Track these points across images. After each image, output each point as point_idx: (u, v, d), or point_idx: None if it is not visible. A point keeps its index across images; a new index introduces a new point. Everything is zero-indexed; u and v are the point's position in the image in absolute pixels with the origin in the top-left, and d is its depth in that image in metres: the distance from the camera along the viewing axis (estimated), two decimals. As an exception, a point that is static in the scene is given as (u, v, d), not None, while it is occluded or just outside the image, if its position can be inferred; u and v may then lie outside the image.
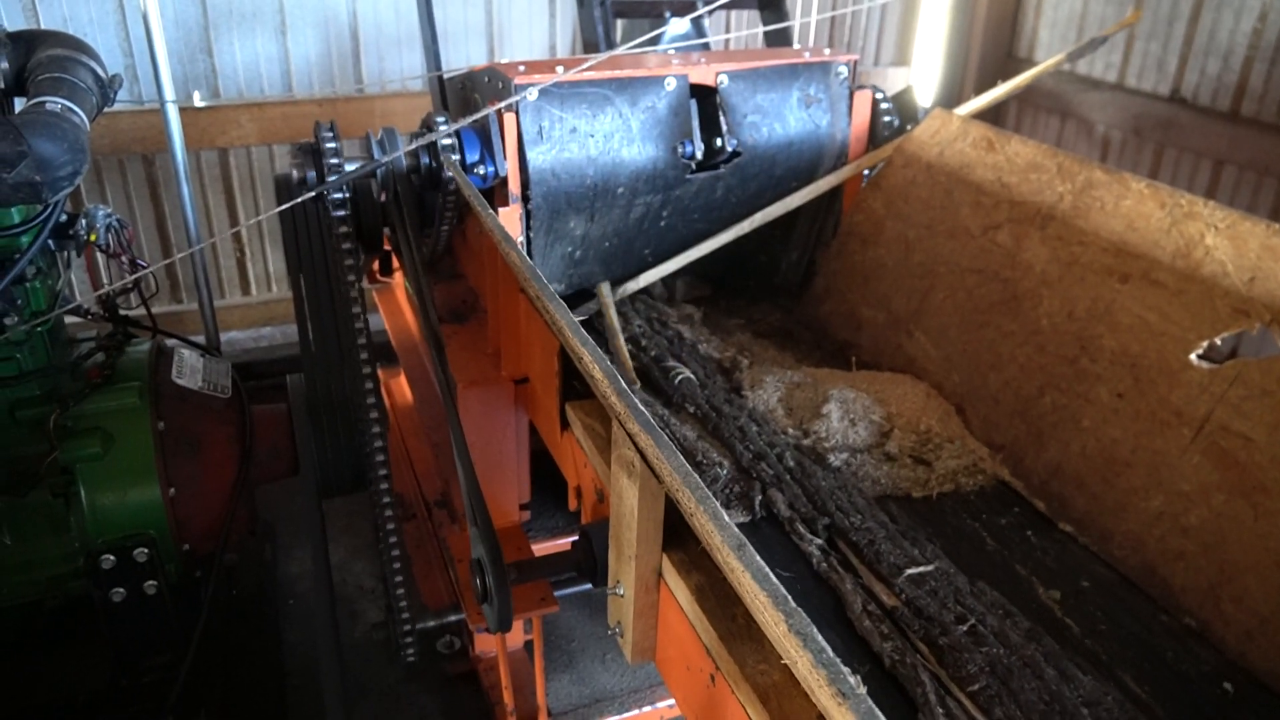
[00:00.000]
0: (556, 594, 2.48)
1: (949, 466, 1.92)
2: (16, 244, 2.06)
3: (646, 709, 2.55)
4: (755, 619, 1.05)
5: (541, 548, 2.59)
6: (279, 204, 2.47)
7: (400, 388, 3.75)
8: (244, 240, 4.60)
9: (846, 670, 0.80)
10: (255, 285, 4.73)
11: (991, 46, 5.47)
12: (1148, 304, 1.78)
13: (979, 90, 5.05)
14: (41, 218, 2.08)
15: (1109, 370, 1.80)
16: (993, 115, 5.25)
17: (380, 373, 2.41)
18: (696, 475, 1.07)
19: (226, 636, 2.54)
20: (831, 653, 0.85)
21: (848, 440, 1.95)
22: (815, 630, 0.87)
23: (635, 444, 1.34)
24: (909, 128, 2.45)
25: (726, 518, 0.98)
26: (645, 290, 2.55)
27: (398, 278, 3.44)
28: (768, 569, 0.92)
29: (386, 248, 3.10)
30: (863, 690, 0.77)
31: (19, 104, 2.12)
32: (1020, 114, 5.44)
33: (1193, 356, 1.68)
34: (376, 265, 3.26)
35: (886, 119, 2.47)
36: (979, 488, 1.88)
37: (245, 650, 2.63)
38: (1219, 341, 1.68)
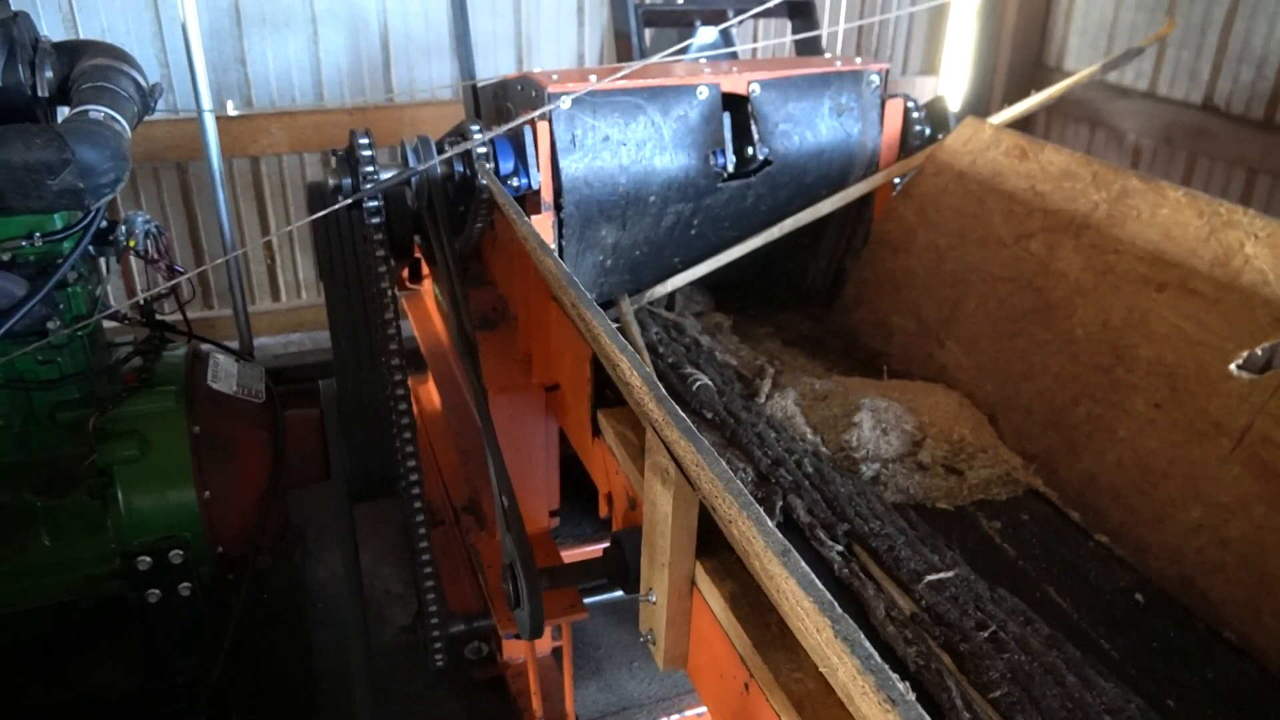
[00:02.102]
0: (585, 601, 2.49)
1: (981, 476, 1.91)
2: (59, 249, 2.09)
3: (674, 716, 2.55)
4: (793, 626, 1.05)
5: (570, 554, 2.59)
6: (311, 211, 2.50)
7: (428, 394, 3.77)
8: (274, 247, 4.65)
9: (895, 677, 0.80)
10: (285, 292, 4.78)
11: (1020, 55, 5.44)
12: (1185, 313, 1.76)
13: (1008, 98, 5.03)
14: (83, 224, 2.12)
15: (1145, 380, 1.79)
16: (1022, 124, 5.22)
17: (409, 379, 2.43)
18: (738, 481, 1.07)
19: (257, 639, 2.56)
20: (879, 659, 0.85)
21: (879, 450, 1.94)
22: (862, 636, 0.87)
23: (670, 451, 1.34)
24: (940, 136, 2.45)
25: (770, 523, 0.98)
26: (671, 298, 2.56)
27: (426, 285, 3.47)
28: (812, 575, 0.92)
29: (416, 255, 3.13)
30: (911, 697, 0.77)
31: (62, 112, 2.16)
32: (1049, 123, 5.41)
33: (1232, 367, 1.67)
34: (406, 272, 3.29)
35: (918, 128, 2.46)
36: (1011, 497, 1.87)
37: (275, 653, 2.65)
38: (1259, 351, 1.66)
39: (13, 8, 2.06)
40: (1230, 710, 1.41)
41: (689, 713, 2.57)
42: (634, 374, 1.32)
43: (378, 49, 4.45)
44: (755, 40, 4.98)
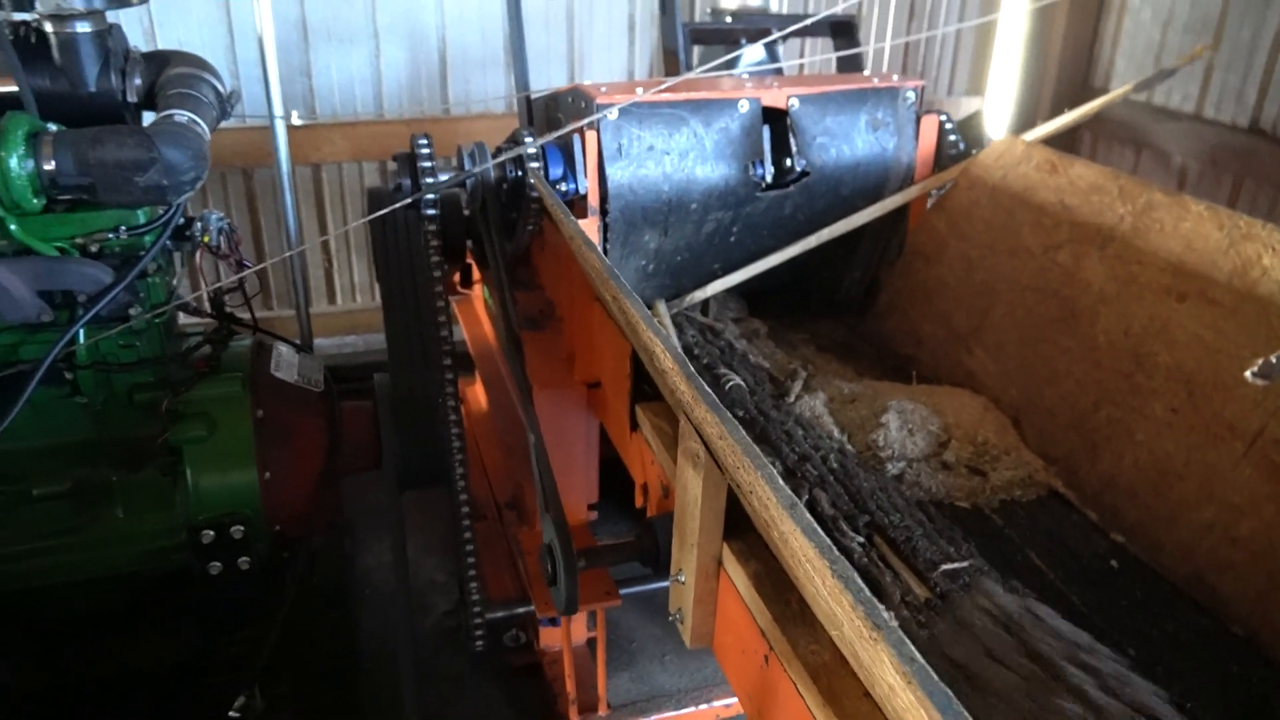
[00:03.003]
0: (621, 592, 2.59)
1: (1004, 478, 1.98)
2: (141, 242, 2.26)
3: (702, 706, 2.63)
4: (810, 597, 1.14)
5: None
6: (370, 214, 2.66)
7: (475, 395, 3.91)
8: (332, 251, 4.85)
9: (914, 649, 0.87)
10: (341, 295, 4.97)
11: (1067, 77, 5.48)
12: (1204, 321, 1.82)
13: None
14: (163, 219, 2.28)
15: (1164, 385, 1.85)
16: (1067, 146, 5.26)
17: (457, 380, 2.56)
18: (758, 450, 1.17)
19: (307, 618, 2.69)
20: (895, 626, 0.92)
21: (905, 450, 2.02)
22: (874, 599, 0.95)
23: (700, 434, 1.44)
24: (975, 152, 2.53)
25: (782, 483, 1.07)
26: (707, 304, 2.66)
27: (476, 290, 3.61)
28: (816, 526, 1.01)
29: (468, 261, 3.28)
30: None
31: (147, 117, 2.33)
32: (1095, 144, 5.43)
33: (1247, 374, 1.72)
34: (457, 277, 3.44)
35: (952, 142, 2.55)
36: (1031, 498, 1.93)
37: (323, 632, 2.79)
38: (1274, 359, 1.72)
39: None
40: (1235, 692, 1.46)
41: (717, 703, 2.65)
42: (667, 357, 1.42)
43: (435, 63, 4.63)
44: (802, 59, 5.09)
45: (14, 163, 1.97)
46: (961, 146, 2.58)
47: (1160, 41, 4.93)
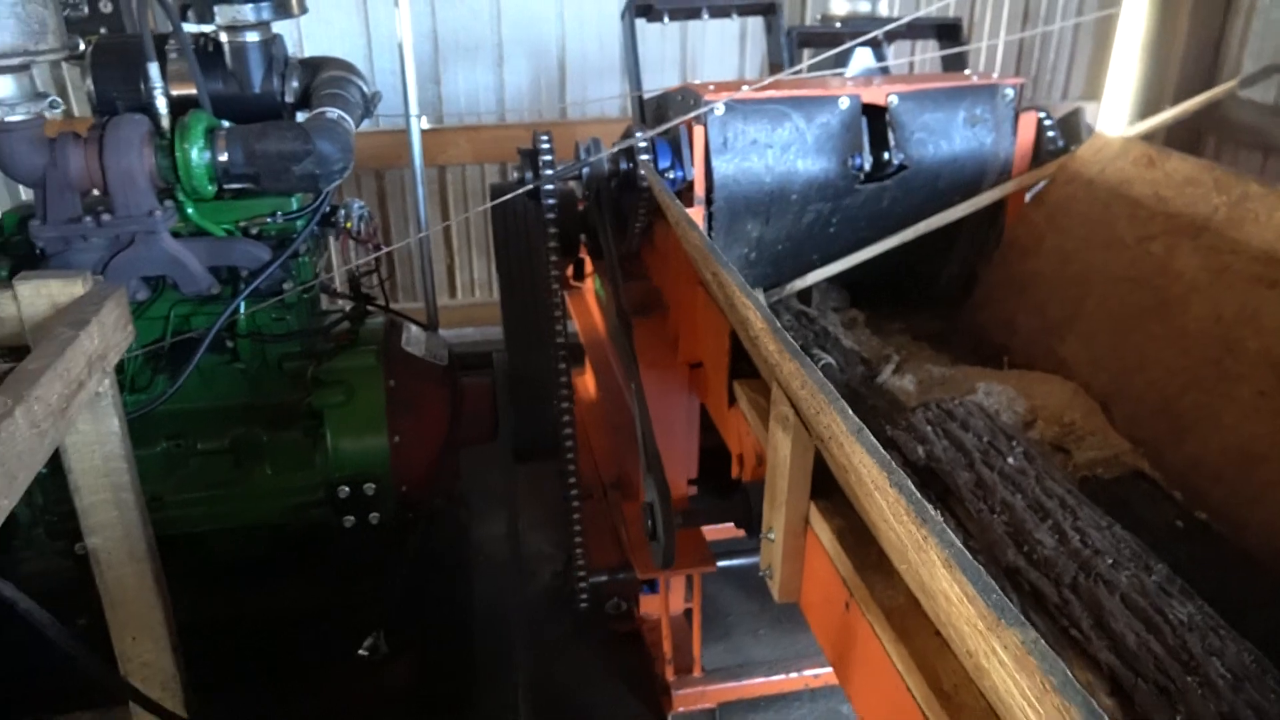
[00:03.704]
0: (718, 564, 2.74)
1: (1089, 457, 2.04)
2: (294, 226, 2.53)
3: (792, 674, 2.75)
4: (888, 536, 1.26)
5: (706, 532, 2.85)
6: (492, 209, 2.89)
7: (585, 384, 4.12)
8: (454, 248, 5.15)
9: (998, 590, 0.97)
10: (461, 290, 5.27)
11: (1190, 80, 5.35)
12: (1294, 308, 1.86)
13: (1173, 129, 4.97)
14: (314, 206, 2.55)
15: (1252, 370, 1.89)
16: (1191, 149, 5.13)
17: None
18: (837, 394, 1.30)
19: (427, 578, 2.93)
20: (989, 581, 1.03)
21: (991, 427, 2.10)
22: (956, 540, 1.06)
23: (789, 397, 1.58)
24: (1073, 148, 2.58)
25: (856, 419, 1.20)
26: (808, 295, 2.78)
27: (588, 284, 3.82)
28: (881, 449, 1.14)
29: (581, 255, 3.49)
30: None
31: (299, 117, 2.61)
32: (1220, 148, 5.29)
33: (1335, 357, 1.76)
34: (570, 271, 3.65)
35: (1051, 139, 2.61)
36: (1116, 476, 1.99)
37: (442, 591, 3.01)
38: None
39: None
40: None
41: (807, 672, 2.76)
42: (760, 321, 1.57)
43: (555, 70, 4.88)
44: (911, 69, 5.14)
45: (195, 154, 2.27)
46: (1061, 143, 2.63)
47: (1290, 42, 4.78)
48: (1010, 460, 1.80)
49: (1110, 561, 1.54)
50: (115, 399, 1.90)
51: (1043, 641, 0.84)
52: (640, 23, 2.97)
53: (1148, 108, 5.38)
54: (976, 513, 1.65)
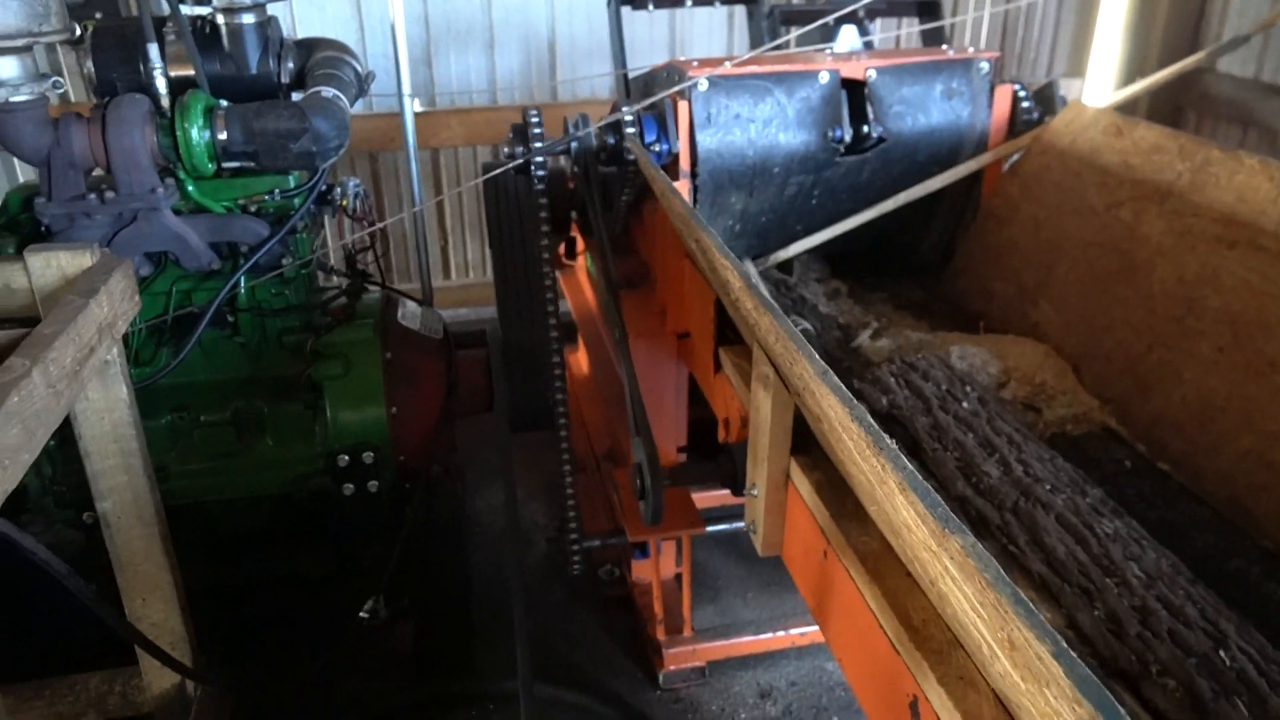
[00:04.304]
0: (708, 530, 2.83)
1: (1058, 414, 2.13)
2: (292, 204, 2.60)
3: (779, 633, 2.84)
4: (858, 479, 1.35)
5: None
6: (485, 187, 2.96)
7: (577, 361, 4.20)
8: (448, 229, 5.22)
9: (943, 506, 1.06)
10: (455, 271, 5.34)
11: (1172, 54, 5.41)
12: (1251, 267, 1.95)
13: (1155, 102, 5.03)
14: (311, 184, 2.62)
15: (1212, 327, 1.98)
16: (1172, 123, 5.21)
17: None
18: (810, 348, 1.38)
19: (425, 546, 3.02)
20: (936, 496, 1.12)
21: (965, 387, 2.19)
22: (909, 464, 1.15)
23: (769, 356, 1.67)
24: (1048, 119, 2.66)
25: (824, 364, 1.29)
26: (791, 266, 2.86)
27: (580, 262, 3.90)
28: (866, 412, 1.22)
29: (572, 234, 3.57)
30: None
31: (295, 96, 2.68)
32: (1200, 122, 5.37)
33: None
34: (562, 249, 3.72)
35: (1026, 111, 2.69)
36: (1084, 432, 2.09)
37: (440, 559, 3.11)
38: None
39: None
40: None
41: (794, 631, 2.86)
42: (740, 283, 1.65)
43: (545, 52, 4.95)
44: (899, 43, 5.21)
45: (195, 133, 2.34)
46: (1035, 115, 2.71)
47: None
48: (965, 404, 1.90)
49: (1049, 487, 1.66)
50: (123, 367, 1.98)
51: (980, 545, 0.93)
52: (629, 8, 3.05)
53: (1129, 82, 5.46)
54: (932, 451, 1.75)
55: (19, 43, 2.09)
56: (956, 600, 1.09)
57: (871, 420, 1.15)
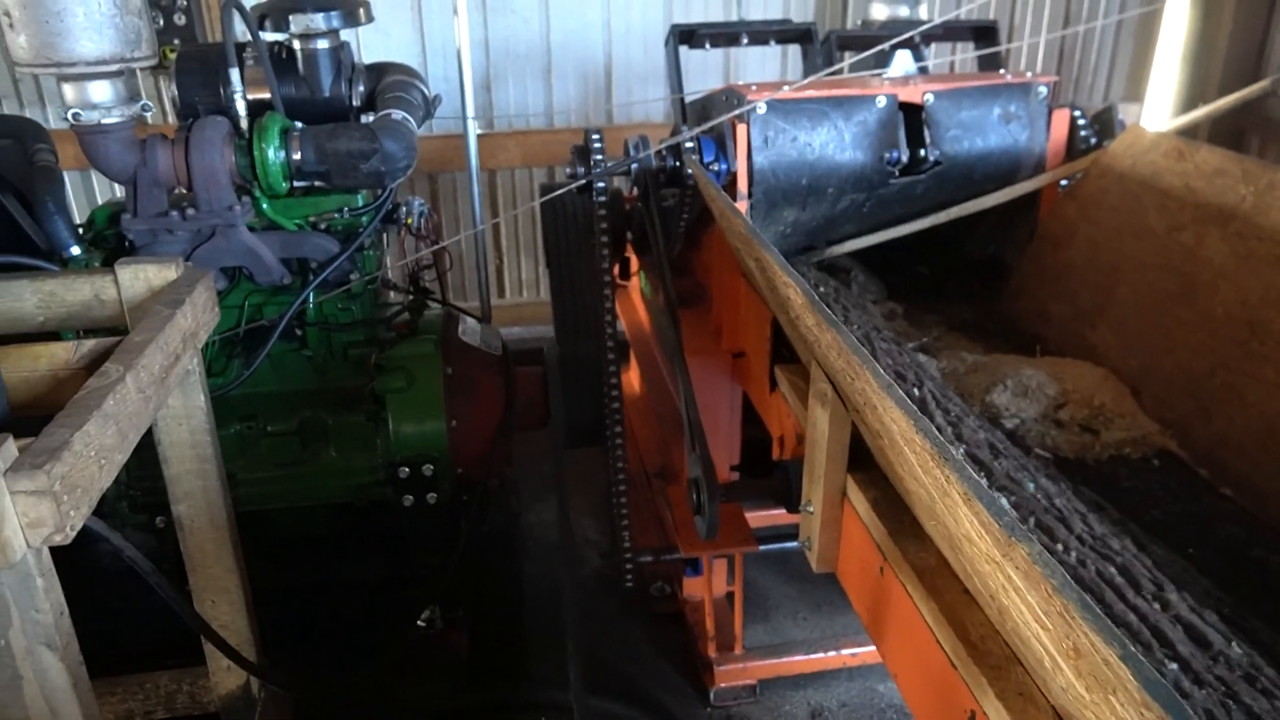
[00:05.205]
0: (760, 548, 2.85)
1: (1116, 437, 2.12)
2: (359, 221, 2.69)
3: (831, 653, 2.84)
4: (918, 494, 1.37)
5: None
6: (542, 206, 3.03)
7: (629, 380, 4.25)
8: (503, 249, 5.32)
9: (1010, 514, 1.08)
10: (509, 290, 5.44)
11: (1233, 79, 5.34)
12: (1316, 291, 1.93)
13: (1216, 126, 4.97)
14: (378, 202, 2.71)
15: (1276, 351, 1.96)
16: (1232, 147, 5.13)
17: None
18: (873, 361, 1.41)
19: (479, 558, 3.07)
20: (1004, 505, 1.14)
21: (1020, 409, 2.19)
22: (974, 474, 1.17)
23: (827, 373, 1.70)
24: (1106, 143, 2.66)
25: (884, 375, 1.31)
26: (848, 283, 2.89)
27: (634, 282, 3.96)
28: (916, 410, 1.25)
29: (627, 254, 3.63)
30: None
31: (365, 118, 2.77)
32: (1264, 148, 5.28)
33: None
34: (616, 269, 3.79)
35: (1084, 135, 2.69)
36: (1143, 455, 2.08)
37: (493, 571, 3.16)
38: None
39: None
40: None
41: (845, 651, 2.85)
42: (800, 296, 1.68)
43: (601, 77, 5.04)
44: (952, 68, 5.21)
45: (271, 153, 2.44)
46: (1094, 140, 2.71)
47: (1334, 41, 4.78)
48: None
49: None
50: (201, 376, 2.07)
51: (1046, 553, 0.95)
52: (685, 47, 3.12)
53: (1189, 107, 5.40)
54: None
55: (113, 67, 2.20)
56: (1018, 612, 1.11)
57: (936, 433, 1.17)
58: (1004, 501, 1.06)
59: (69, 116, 2.27)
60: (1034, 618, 1.06)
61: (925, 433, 1.17)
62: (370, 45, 4.73)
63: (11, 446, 1.28)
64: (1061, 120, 2.69)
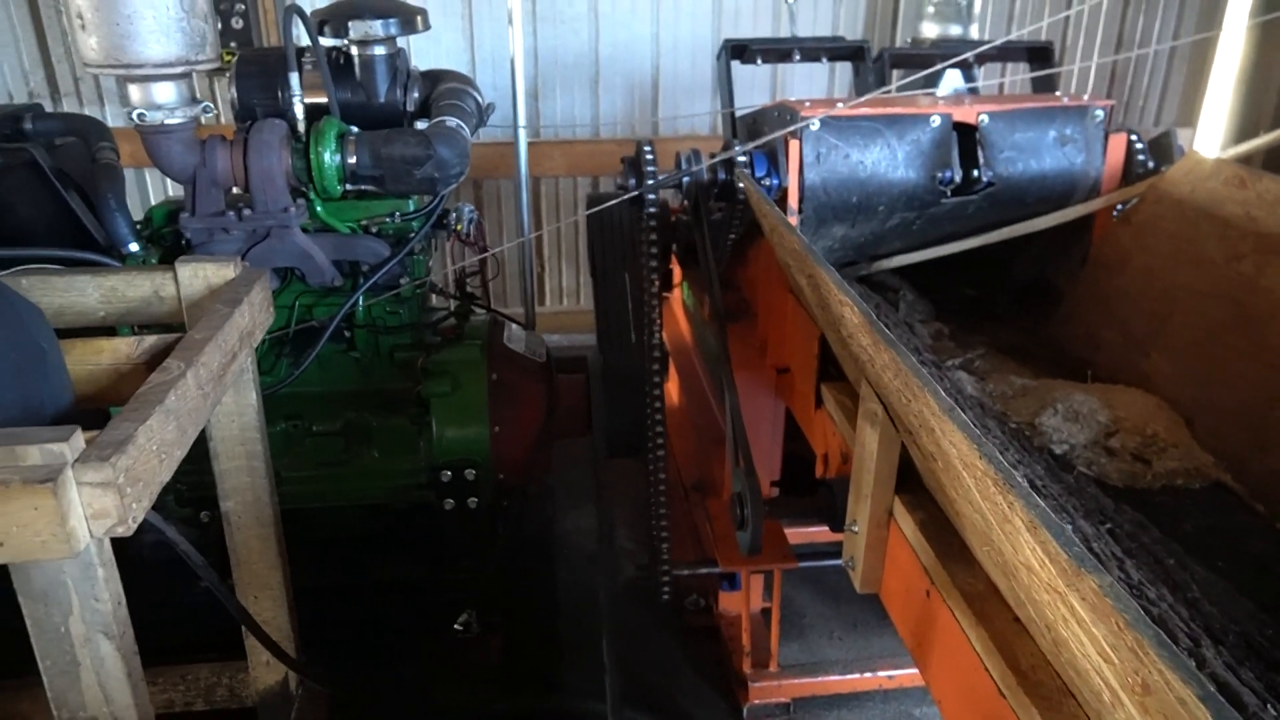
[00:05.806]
0: (800, 565, 2.84)
1: (1169, 467, 2.09)
2: (410, 226, 2.72)
3: (867, 674, 2.82)
4: (972, 519, 1.35)
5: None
6: (589, 216, 3.05)
7: (669, 392, 4.25)
8: (545, 257, 5.35)
9: (1079, 544, 1.06)
10: (550, 297, 5.47)
11: (1290, 108, 5.27)
12: (1382, 326, 1.89)
13: (1273, 154, 4.89)
14: (429, 207, 2.74)
15: (1338, 386, 1.93)
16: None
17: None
18: (934, 383, 1.40)
19: (516, 564, 3.08)
20: (1071, 534, 1.12)
21: (1070, 434, 2.16)
22: (1041, 502, 1.16)
23: (879, 393, 1.69)
24: (1163, 169, 2.63)
25: (945, 396, 1.30)
26: (896, 304, 2.87)
27: (676, 294, 3.97)
28: (995, 450, 1.23)
29: (670, 266, 3.64)
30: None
31: (419, 124, 2.81)
32: (1320, 178, 5.19)
33: None
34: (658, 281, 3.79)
35: (1141, 159, 2.66)
36: (1197, 487, 2.04)
37: (529, 578, 3.17)
38: None
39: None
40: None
41: (881, 673, 2.83)
42: (856, 315, 1.67)
43: (649, 89, 5.06)
44: (1002, 89, 5.18)
45: (327, 157, 2.47)
46: (1151, 164, 2.68)
47: (1396, 70, 4.69)
48: None
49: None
50: (254, 374, 2.10)
51: (1117, 585, 0.93)
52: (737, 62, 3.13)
53: (1244, 133, 5.31)
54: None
55: (178, 70, 2.25)
56: (1079, 644, 1.09)
57: (1000, 457, 1.16)
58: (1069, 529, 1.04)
59: (134, 116, 2.32)
60: (1097, 650, 1.04)
61: (990, 458, 1.16)
62: (420, 51, 4.78)
63: (80, 438, 1.31)
64: (1118, 144, 2.66)
